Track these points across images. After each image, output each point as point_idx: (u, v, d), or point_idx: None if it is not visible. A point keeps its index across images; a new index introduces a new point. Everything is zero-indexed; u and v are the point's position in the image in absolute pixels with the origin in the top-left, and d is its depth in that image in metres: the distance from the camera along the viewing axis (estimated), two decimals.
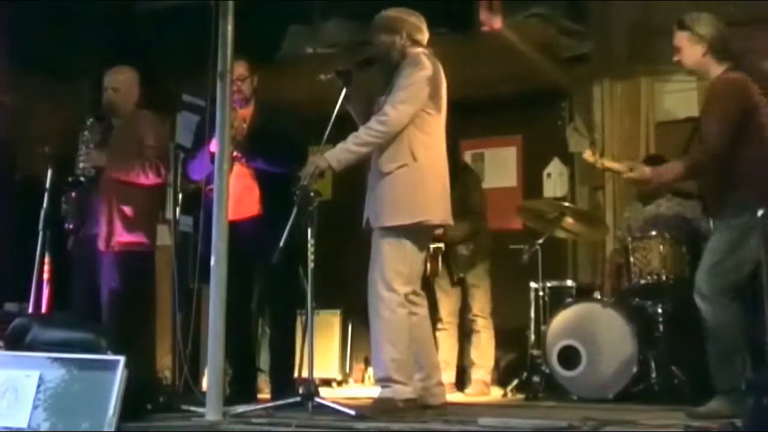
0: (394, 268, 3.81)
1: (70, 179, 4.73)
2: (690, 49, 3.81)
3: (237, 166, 4.51)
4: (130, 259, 4.70)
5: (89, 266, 4.74)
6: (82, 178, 4.72)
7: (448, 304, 5.90)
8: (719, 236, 3.79)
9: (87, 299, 4.71)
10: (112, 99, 4.85)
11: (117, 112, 4.87)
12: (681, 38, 3.83)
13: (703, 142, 3.82)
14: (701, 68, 3.85)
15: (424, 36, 4.04)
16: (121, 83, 4.86)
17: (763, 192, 3.64)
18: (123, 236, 4.70)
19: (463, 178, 5.78)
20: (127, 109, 4.89)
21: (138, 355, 4.63)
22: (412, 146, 3.85)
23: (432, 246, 5.29)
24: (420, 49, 3.98)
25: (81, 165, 4.78)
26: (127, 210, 4.72)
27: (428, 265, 5.26)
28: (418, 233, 3.88)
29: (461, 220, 5.34)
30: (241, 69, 4.58)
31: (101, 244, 4.68)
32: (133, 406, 3.04)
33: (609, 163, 4.35)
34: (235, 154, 4.45)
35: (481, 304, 5.89)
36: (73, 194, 4.75)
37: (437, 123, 3.96)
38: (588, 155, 4.35)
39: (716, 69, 3.80)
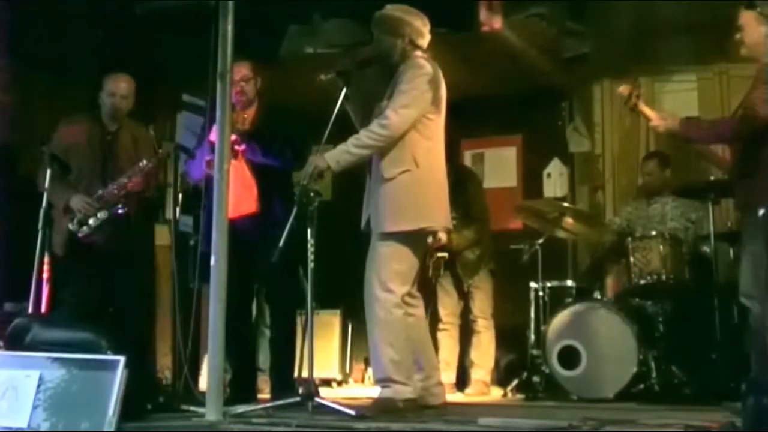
0: (392, 267, 3.81)
1: (119, 211, 4.62)
2: (753, 28, 3.81)
3: (236, 163, 4.50)
4: (149, 261, 4.77)
5: (96, 271, 4.72)
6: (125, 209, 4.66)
7: (449, 304, 5.90)
8: (753, 236, 3.75)
9: (89, 302, 4.69)
10: (120, 106, 4.80)
11: (119, 120, 4.84)
12: (746, 17, 3.84)
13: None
14: (759, 49, 3.83)
15: (426, 39, 4.02)
16: (128, 91, 4.83)
17: None
18: (140, 242, 4.72)
19: (465, 183, 5.80)
20: (125, 116, 4.87)
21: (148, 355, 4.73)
22: (414, 152, 3.84)
23: (437, 255, 5.31)
24: (419, 53, 3.97)
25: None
26: (137, 216, 4.71)
27: (431, 271, 5.29)
28: (418, 238, 3.88)
29: (466, 228, 5.54)
30: (245, 70, 4.57)
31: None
32: (132, 406, 3.04)
33: (643, 107, 4.17)
34: (237, 146, 4.41)
35: (482, 305, 5.90)
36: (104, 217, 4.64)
37: (437, 127, 3.96)
38: (624, 89, 4.20)
39: None
